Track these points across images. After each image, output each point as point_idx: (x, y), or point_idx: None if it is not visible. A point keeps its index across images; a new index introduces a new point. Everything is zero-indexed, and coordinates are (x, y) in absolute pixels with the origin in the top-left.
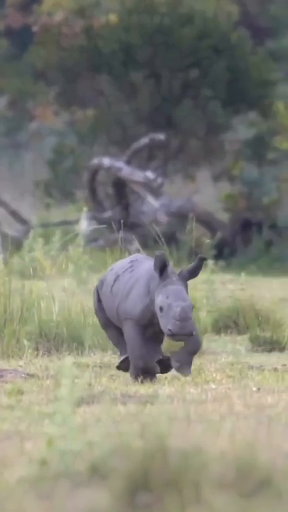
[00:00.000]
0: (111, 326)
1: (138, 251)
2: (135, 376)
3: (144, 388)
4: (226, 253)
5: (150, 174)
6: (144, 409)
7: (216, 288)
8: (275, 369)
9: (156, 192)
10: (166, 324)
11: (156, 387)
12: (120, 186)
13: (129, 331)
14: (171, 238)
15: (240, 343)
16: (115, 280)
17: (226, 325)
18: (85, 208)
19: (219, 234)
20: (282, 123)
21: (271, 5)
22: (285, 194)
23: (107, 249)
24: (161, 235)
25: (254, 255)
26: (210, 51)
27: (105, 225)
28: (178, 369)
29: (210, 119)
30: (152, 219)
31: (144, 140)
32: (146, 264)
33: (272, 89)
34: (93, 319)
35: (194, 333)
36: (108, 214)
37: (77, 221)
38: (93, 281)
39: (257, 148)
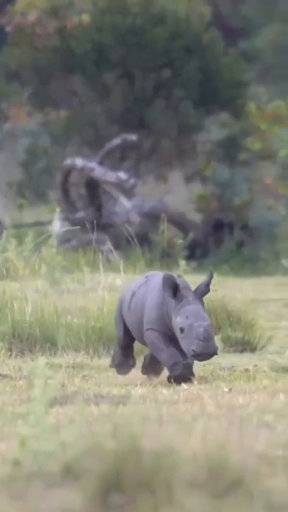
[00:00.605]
0: (128, 342)
1: (110, 251)
2: (175, 378)
3: (116, 389)
4: (198, 253)
5: (122, 175)
6: (117, 409)
7: None
8: (247, 370)
9: (128, 192)
10: (189, 344)
11: (128, 388)
12: (93, 187)
13: (152, 339)
14: (143, 239)
15: None
16: (132, 296)
17: None
18: (58, 209)
19: (191, 235)
20: (254, 124)
21: (243, 6)
22: (257, 195)
23: (80, 249)
24: (133, 236)
25: (225, 256)
26: (182, 51)
27: (78, 226)
28: None
29: (183, 120)
30: (125, 219)
31: (117, 141)
32: (158, 277)
33: (244, 90)
34: (66, 320)
35: (217, 353)
36: (81, 214)
37: (50, 222)
38: (66, 282)
39: (229, 149)
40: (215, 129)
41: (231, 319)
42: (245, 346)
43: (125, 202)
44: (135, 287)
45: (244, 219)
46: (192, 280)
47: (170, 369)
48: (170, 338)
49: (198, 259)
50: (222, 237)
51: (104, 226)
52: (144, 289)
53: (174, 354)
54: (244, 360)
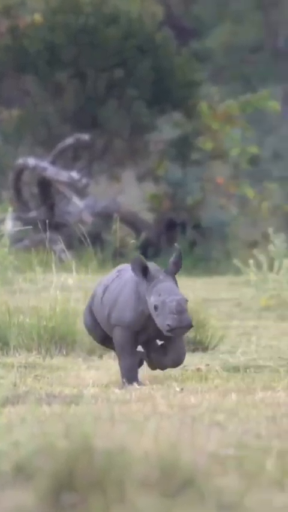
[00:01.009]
0: (110, 340)
1: (63, 251)
2: (127, 381)
3: (68, 389)
4: (151, 253)
5: (75, 174)
6: (69, 409)
7: None
8: (198, 369)
9: (81, 192)
10: (164, 320)
11: (80, 388)
12: (45, 186)
13: (119, 338)
14: (96, 238)
15: None
16: (104, 292)
17: None
18: (10, 209)
19: (143, 234)
20: (206, 124)
21: (195, 6)
22: (209, 194)
23: (32, 249)
24: (86, 235)
25: None
26: (135, 51)
27: (30, 226)
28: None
29: (135, 119)
30: (77, 219)
31: (69, 140)
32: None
33: (196, 90)
34: (18, 319)
35: (193, 325)
36: (33, 214)
37: (2, 221)
38: (18, 281)
39: (181, 149)
40: (167, 128)
41: None
42: (197, 345)
43: (77, 202)
44: (107, 281)
45: (196, 218)
46: None
47: (124, 378)
48: (146, 338)
49: (151, 259)
50: (175, 237)
51: (56, 225)
52: (117, 282)
53: (132, 368)
54: (196, 360)
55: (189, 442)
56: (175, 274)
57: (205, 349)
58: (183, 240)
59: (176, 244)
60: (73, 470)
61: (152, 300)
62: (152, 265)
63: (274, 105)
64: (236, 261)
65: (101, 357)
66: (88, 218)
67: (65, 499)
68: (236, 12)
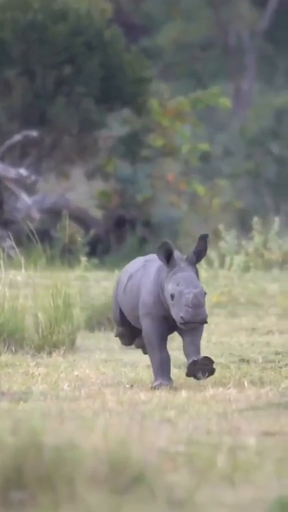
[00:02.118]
0: (126, 324)
1: (12, 248)
2: (157, 376)
3: (17, 385)
4: (100, 250)
5: (23, 171)
6: (18, 406)
7: (90, 285)
8: (148, 366)
9: (30, 189)
10: (178, 311)
11: (29, 384)
12: None
13: (147, 328)
14: (44, 235)
15: (113, 340)
16: (128, 279)
17: (100, 322)
18: None
19: (92, 231)
20: (156, 121)
21: (144, 3)
22: (159, 191)
23: None
24: (34, 232)
25: (127, 252)
26: (83, 48)
27: None
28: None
29: (84, 116)
30: (26, 215)
31: (18, 137)
32: (158, 262)
33: (146, 87)
34: None
35: (207, 321)
36: None
37: None
38: None
39: (131, 146)
40: (116, 125)
41: None
42: None
43: (26, 199)
44: (133, 270)
45: (146, 215)
46: (94, 276)
47: (155, 378)
48: (166, 320)
49: (100, 256)
50: (124, 234)
51: (5, 222)
52: (142, 272)
53: (163, 362)
54: (146, 356)
55: (139, 438)
56: (197, 263)
57: None
58: (133, 237)
59: (202, 234)
60: (22, 467)
61: (170, 287)
62: (177, 253)
63: (225, 102)
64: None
65: (49, 353)
66: (36, 215)
67: (14, 495)
68: (186, 9)
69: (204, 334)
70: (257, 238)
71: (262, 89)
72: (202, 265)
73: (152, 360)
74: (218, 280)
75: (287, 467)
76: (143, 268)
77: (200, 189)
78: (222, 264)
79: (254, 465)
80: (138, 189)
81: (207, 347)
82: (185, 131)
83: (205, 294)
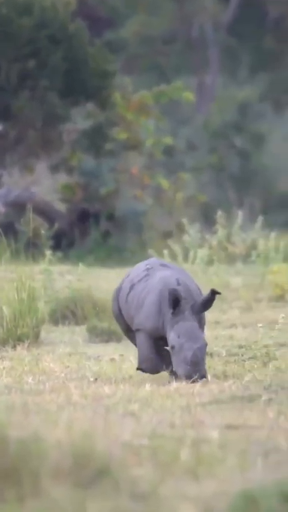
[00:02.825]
0: (133, 334)
1: None
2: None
3: None
4: (64, 243)
5: None
6: None
7: (54, 279)
8: (112, 359)
9: None
10: (177, 366)
11: None
12: None
13: (140, 339)
14: (9, 229)
15: (78, 333)
16: (130, 289)
17: (64, 315)
18: None
19: (57, 225)
20: (120, 114)
21: None
22: (123, 185)
23: None
24: None
25: (91, 246)
26: (48, 41)
27: None
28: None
29: (48, 110)
30: None
31: None
32: (160, 273)
33: (110, 80)
34: None
35: (206, 378)
36: None
37: None
38: None
39: (95, 139)
40: (80, 119)
41: (97, 309)
42: (111, 336)
43: None
44: (134, 277)
45: (110, 208)
46: (58, 270)
47: (139, 364)
48: (159, 340)
49: (64, 250)
50: (88, 227)
51: None
52: (143, 285)
53: (152, 359)
54: (110, 350)
55: (103, 432)
56: (201, 313)
57: (119, 339)
58: (97, 230)
59: (213, 289)
60: None
61: (172, 337)
62: (183, 292)
63: (188, 96)
64: (150, 252)
65: (14, 347)
66: (1, 208)
67: None
68: (150, 2)
69: None
70: (221, 232)
71: (225, 83)
72: (166, 259)
73: (140, 359)
74: None
75: (250, 461)
76: (145, 280)
77: (164, 183)
78: (185, 258)
79: (217, 458)
80: (102, 182)
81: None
82: (148, 125)
83: (206, 345)
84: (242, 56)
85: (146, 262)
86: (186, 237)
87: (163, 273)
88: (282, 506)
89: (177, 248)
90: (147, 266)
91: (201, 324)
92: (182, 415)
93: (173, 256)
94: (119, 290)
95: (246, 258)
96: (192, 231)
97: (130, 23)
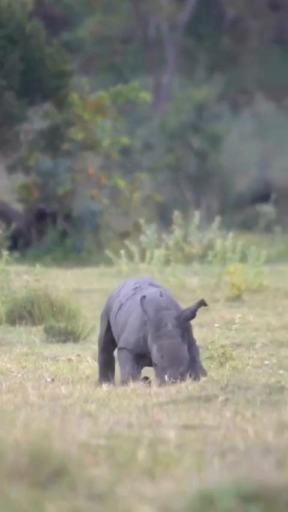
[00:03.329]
0: (106, 352)
1: None
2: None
3: None
4: (21, 244)
5: None
6: None
7: (11, 279)
8: (70, 360)
9: None
10: (161, 384)
11: None
12: None
13: (123, 357)
14: None
15: (35, 333)
16: (119, 309)
17: (21, 315)
18: None
19: (13, 225)
20: (77, 114)
21: None
22: (80, 185)
23: None
24: None
25: (48, 246)
26: (4, 41)
27: None
28: None
29: (5, 110)
30: None
31: None
32: (146, 291)
33: (67, 80)
34: None
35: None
36: None
37: None
38: None
39: (52, 139)
40: (37, 119)
41: (54, 309)
42: (68, 336)
43: None
44: (123, 297)
45: (67, 208)
46: (15, 270)
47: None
48: (142, 358)
49: (21, 250)
50: (45, 227)
51: None
52: (130, 302)
53: (133, 375)
54: (67, 350)
55: (60, 432)
56: (186, 322)
57: (76, 339)
58: (54, 230)
59: (202, 300)
60: None
61: (154, 353)
62: (164, 301)
63: (145, 96)
64: (107, 252)
65: None
66: None
67: None
68: (106, 2)
69: None
70: (177, 232)
71: (182, 83)
72: (122, 259)
73: (121, 374)
74: (138, 274)
75: (206, 461)
76: (132, 298)
77: (121, 183)
78: (142, 258)
79: (174, 458)
80: (59, 182)
81: None
82: (105, 125)
83: (187, 360)
84: (199, 56)
85: (135, 280)
86: (143, 237)
87: (149, 291)
88: (239, 506)
89: (134, 248)
90: (136, 285)
91: (188, 331)
92: (139, 415)
93: (130, 256)
94: (109, 308)
95: (203, 258)
96: (149, 231)
97: (87, 23)
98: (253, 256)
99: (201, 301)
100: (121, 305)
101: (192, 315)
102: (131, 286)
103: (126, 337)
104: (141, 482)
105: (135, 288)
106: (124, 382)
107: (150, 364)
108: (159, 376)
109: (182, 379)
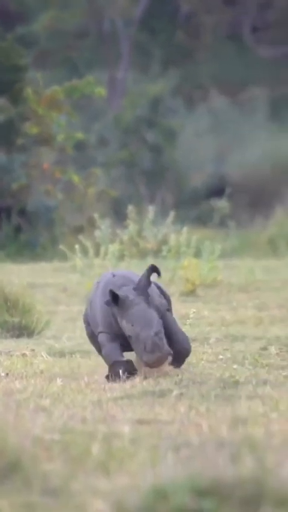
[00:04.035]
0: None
1: None
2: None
3: None
4: None
5: None
6: None
7: None
8: (24, 354)
9: None
10: (140, 354)
11: None
12: None
13: (102, 341)
14: None
15: None
16: (90, 308)
17: None
18: None
19: None
20: (32, 109)
21: None
22: (34, 180)
23: None
24: None
25: (2, 241)
26: None
27: None
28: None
29: None
30: None
31: None
32: (104, 278)
33: (21, 75)
34: None
35: (170, 356)
36: None
37: None
38: None
39: (6, 134)
40: None
41: (8, 303)
42: (22, 330)
43: None
44: (91, 296)
45: (21, 203)
46: None
47: (113, 372)
48: (120, 338)
49: None
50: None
51: None
52: (94, 295)
53: (120, 362)
54: (21, 345)
55: (14, 426)
56: (146, 289)
57: (30, 334)
58: (8, 225)
59: (152, 264)
60: None
61: (125, 326)
62: (119, 279)
63: (100, 91)
64: (62, 247)
65: None
66: None
67: None
68: None
69: (79, 323)
70: (132, 227)
71: (137, 78)
72: (77, 254)
73: (103, 351)
74: (93, 269)
75: (161, 455)
76: (95, 290)
77: (75, 178)
78: (97, 253)
79: (128, 453)
80: (14, 177)
81: (82, 336)
82: (60, 120)
83: (162, 324)
84: (154, 50)
85: (109, 274)
86: (97, 232)
87: (103, 278)
88: (193, 500)
89: (88, 243)
90: (97, 280)
91: (166, 298)
92: (94, 410)
93: (84, 251)
94: (86, 310)
95: (157, 253)
96: (104, 226)
97: (41, 18)
98: (207, 251)
99: (151, 266)
100: (90, 303)
101: (147, 281)
102: (95, 283)
103: (95, 321)
104: (96, 477)
105: (98, 282)
106: (107, 356)
107: (127, 345)
108: (137, 348)
109: (161, 342)
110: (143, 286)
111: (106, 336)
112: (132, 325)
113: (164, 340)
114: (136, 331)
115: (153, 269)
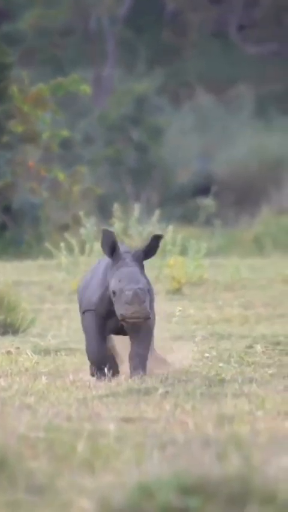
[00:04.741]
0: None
1: None
2: (92, 374)
3: None
4: None
5: None
6: None
7: None
8: (9, 352)
9: None
10: (119, 308)
11: None
12: None
13: (87, 323)
14: None
15: None
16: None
17: None
18: None
19: None
20: (17, 107)
21: None
22: (19, 177)
23: None
24: None
25: None
26: None
27: None
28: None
29: None
30: None
31: None
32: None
33: (6, 72)
34: None
35: (150, 317)
36: None
37: None
38: None
39: None
40: None
41: None
42: (7, 328)
43: None
44: (90, 270)
45: (7, 201)
46: None
47: (90, 368)
48: (114, 325)
49: None
50: None
51: None
52: (90, 272)
53: (99, 351)
54: (6, 342)
55: (0, 424)
56: (144, 260)
57: (16, 332)
58: None
59: (155, 234)
60: None
61: (112, 284)
62: (124, 246)
63: (85, 89)
64: (47, 244)
65: None
66: None
67: None
68: None
69: (64, 321)
70: (117, 225)
71: (123, 76)
72: (62, 252)
73: (87, 348)
74: (78, 267)
75: (146, 453)
76: (92, 270)
77: (61, 176)
78: (82, 251)
79: (113, 451)
80: None
81: (67, 334)
82: (45, 118)
83: (148, 290)
84: (139, 49)
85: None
86: (82, 230)
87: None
88: (179, 498)
89: (73, 241)
90: (100, 258)
91: (142, 271)
92: (79, 407)
93: (70, 249)
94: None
95: None
96: (89, 224)
97: (27, 16)
98: (193, 249)
99: (154, 235)
100: (85, 280)
101: (147, 253)
102: (97, 260)
103: (88, 298)
104: (81, 475)
105: (99, 261)
106: (89, 350)
107: (115, 327)
108: (118, 302)
109: (143, 296)
110: (139, 256)
111: (94, 319)
112: (119, 281)
113: (147, 298)
114: (121, 285)
115: (157, 238)
